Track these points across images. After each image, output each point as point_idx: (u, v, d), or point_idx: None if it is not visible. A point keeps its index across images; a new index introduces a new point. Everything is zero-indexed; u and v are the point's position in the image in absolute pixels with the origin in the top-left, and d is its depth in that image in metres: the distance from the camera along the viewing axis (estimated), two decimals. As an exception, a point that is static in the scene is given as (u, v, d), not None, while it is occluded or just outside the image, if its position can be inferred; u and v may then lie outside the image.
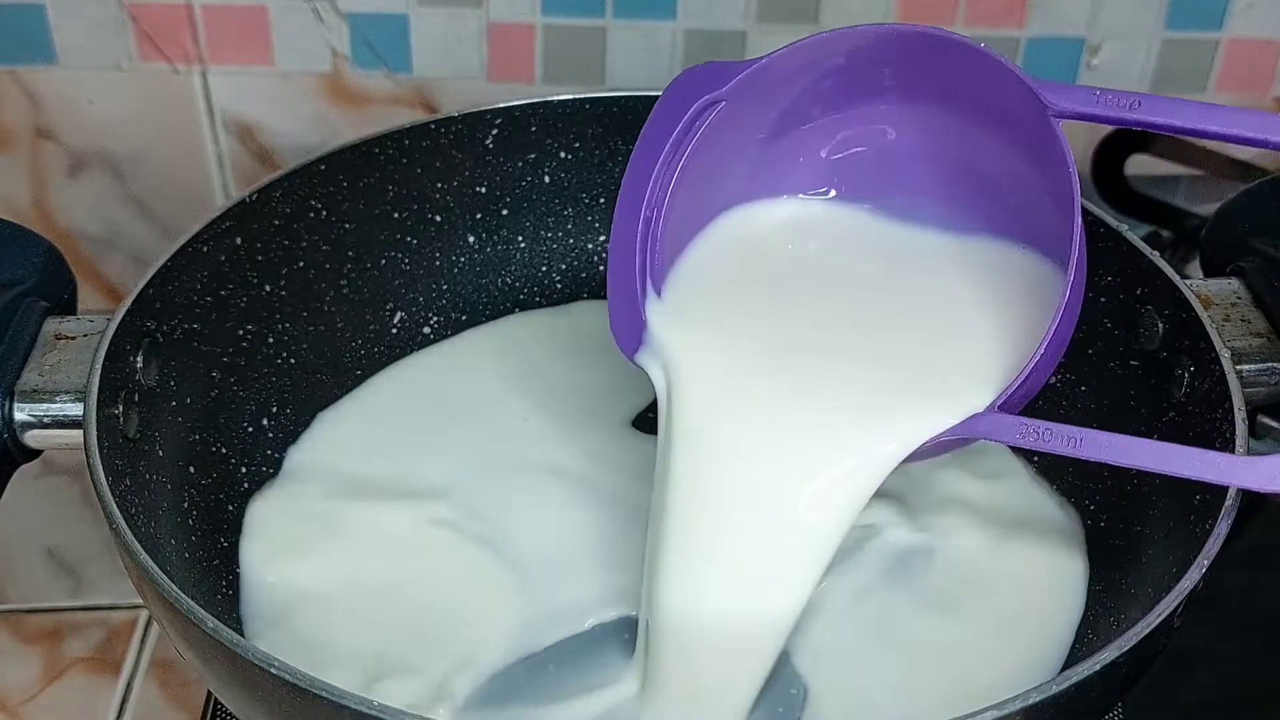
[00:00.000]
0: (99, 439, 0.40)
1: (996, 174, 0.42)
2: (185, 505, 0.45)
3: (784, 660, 0.42)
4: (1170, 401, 0.45)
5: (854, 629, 0.43)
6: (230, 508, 0.48)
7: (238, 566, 0.46)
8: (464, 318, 0.56)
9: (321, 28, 0.65)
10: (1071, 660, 0.43)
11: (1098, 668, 0.34)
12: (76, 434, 0.41)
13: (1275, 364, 0.45)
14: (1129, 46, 0.68)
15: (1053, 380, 0.51)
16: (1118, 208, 0.69)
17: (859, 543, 0.45)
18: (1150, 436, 0.46)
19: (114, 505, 0.39)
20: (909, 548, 0.46)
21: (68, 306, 0.47)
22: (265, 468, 0.50)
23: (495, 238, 0.57)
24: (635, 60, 0.66)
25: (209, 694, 0.52)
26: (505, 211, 0.56)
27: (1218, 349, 0.43)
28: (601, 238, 0.58)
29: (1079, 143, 0.71)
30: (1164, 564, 0.42)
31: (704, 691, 0.40)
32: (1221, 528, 0.38)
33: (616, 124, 0.55)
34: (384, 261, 0.54)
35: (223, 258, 0.49)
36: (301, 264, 0.52)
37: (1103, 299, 0.49)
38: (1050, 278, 0.41)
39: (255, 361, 0.50)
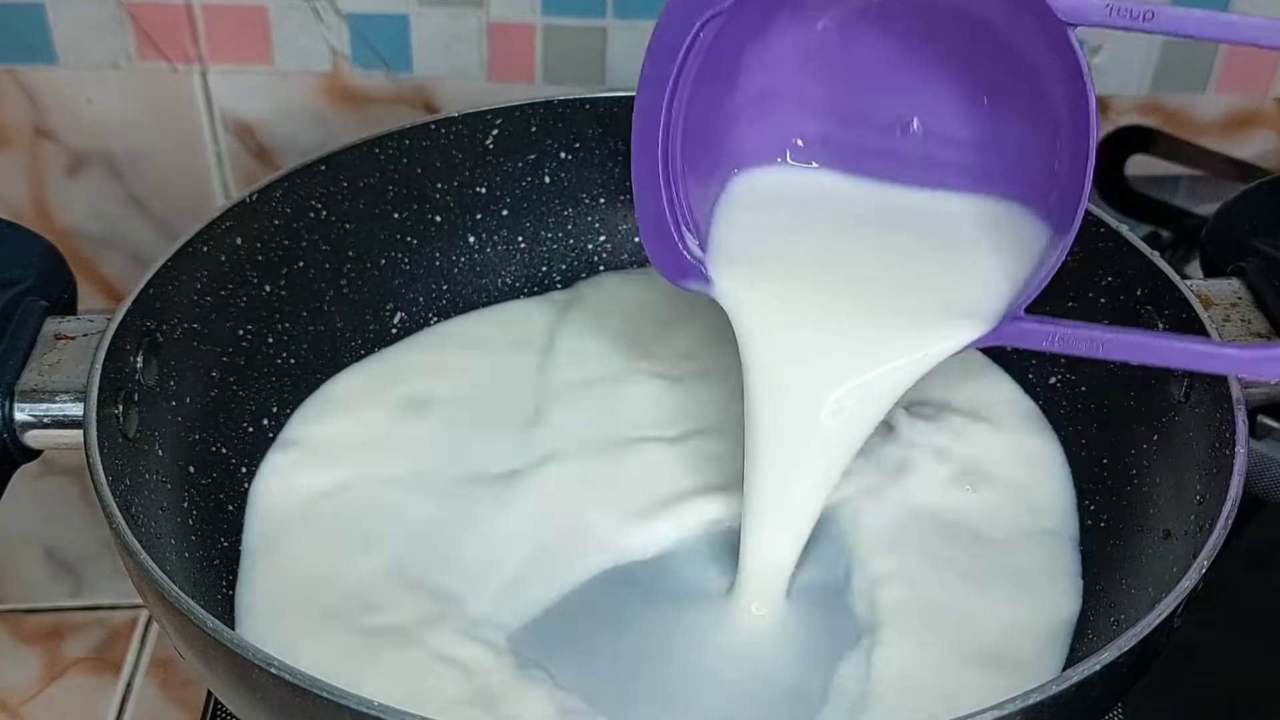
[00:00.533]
0: (99, 439, 0.40)
1: (1004, 117, 0.44)
2: (185, 505, 0.45)
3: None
4: (1170, 401, 0.45)
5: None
6: (230, 508, 0.48)
7: (238, 565, 0.46)
8: (464, 318, 0.56)
9: (321, 27, 0.65)
10: (1071, 660, 0.43)
11: (1098, 668, 0.34)
12: (76, 434, 0.41)
13: (1275, 364, 0.45)
14: (1129, 46, 0.68)
15: (1053, 380, 0.51)
16: (1118, 208, 0.69)
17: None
18: (1150, 437, 0.46)
19: (114, 505, 0.39)
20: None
21: (67, 306, 0.47)
22: (265, 468, 0.50)
23: (495, 238, 0.56)
24: (635, 60, 0.66)
25: (209, 694, 0.52)
26: (505, 211, 0.56)
27: (1218, 349, 0.43)
28: (602, 237, 0.58)
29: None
30: (1164, 564, 0.42)
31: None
32: (1221, 528, 0.38)
33: (616, 124, 0.55)
34: (384, 261, 0.54)
35: (223, 258, 0.49)
36: (301, 264, 0.52)
37: (1103, 299, 0.49)
38: (1043, 234, 0.44)
39: (255, 361, 0.50)
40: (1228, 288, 0.48)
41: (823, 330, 0.43)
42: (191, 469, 0.46)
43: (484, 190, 0.56)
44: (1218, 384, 0.42)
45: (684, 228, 0.44)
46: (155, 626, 0.59)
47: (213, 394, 0.48)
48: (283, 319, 0.51)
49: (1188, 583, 0.37)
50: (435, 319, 0.56)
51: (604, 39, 0.65)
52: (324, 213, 0.52)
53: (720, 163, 0.46)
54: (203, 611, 0.36)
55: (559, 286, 0.57)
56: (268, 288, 0.51)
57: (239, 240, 0.49)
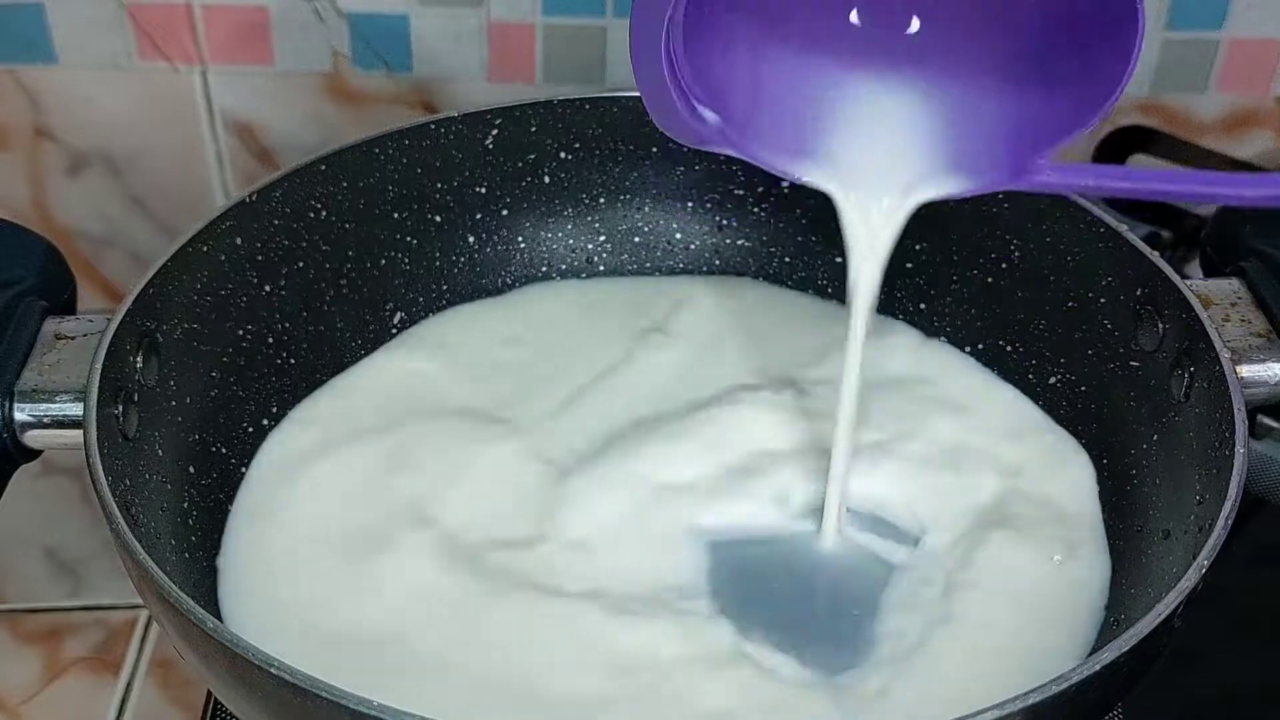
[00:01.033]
0: (99, 439, 0.40)
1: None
2: (185, 505, 0.45)
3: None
4: (1170, 401, 0.45)
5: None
6: (230, 508, 0.48)
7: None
8: (464, 318, 0.56)
9: (322, 27, 0.65)
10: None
11: (1098, 668, 0.34)
12: (76, 434, 0.41)
13: (1275, 364, 0.45)
14: (1129, 46, 0.67)
15: (1053, 380, 0.51)
16: (1118, 208, 0.69)
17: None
18: (1150, 437, 0.46)
19: (114, 505, 0.39)
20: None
21: (67, 306, 0.47)
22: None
23: (495, 238, 0.56)
24: (635, 60, 0.66)
25: (209, 694, 0.52)
26: (505, 211, 0.56)
27: (1218, 349, 0.43)
28: (602, 237, 0.58)
29: (1079, 142, 0.71)
30: (1164, 564, 0.42)
31: None
32: (1221, 528, 0.38)
33: (616, 124, 0.55)
34: (384, 261, 0.54)
35: (223, 258, 0.49)
36: (301, 264, 0.52)
37: (1103, 299, 0.49)
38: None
39: (255, 361, 0.50)
40: (1228, 288, 0.48)
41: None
42: (191, 469, 0.46)
43: (484, 190, 0.56)
44: (1218, 384, 0.42)
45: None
46: (155, 626, 0.59)
47: (213, 394, 0.48)
48: (283, 319, 0.51)
49: (1188, 583, 0.37)
50: (435, 318, 0.56)
51: (604, 39, 0.65)
52: (324, 213, 0.52)
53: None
54: (203, 611, 0.36)
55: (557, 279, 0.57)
56: (268, 288, 0.51)
57: (239, 240, 0.49)
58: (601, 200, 0.57)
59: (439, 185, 0.55)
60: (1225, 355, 0.43)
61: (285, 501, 0.48)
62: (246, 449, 0.49)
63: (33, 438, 0.43)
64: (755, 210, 0.57)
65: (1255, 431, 0.46)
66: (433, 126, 0.54)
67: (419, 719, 0.32)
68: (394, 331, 0.55)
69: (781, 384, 0.52)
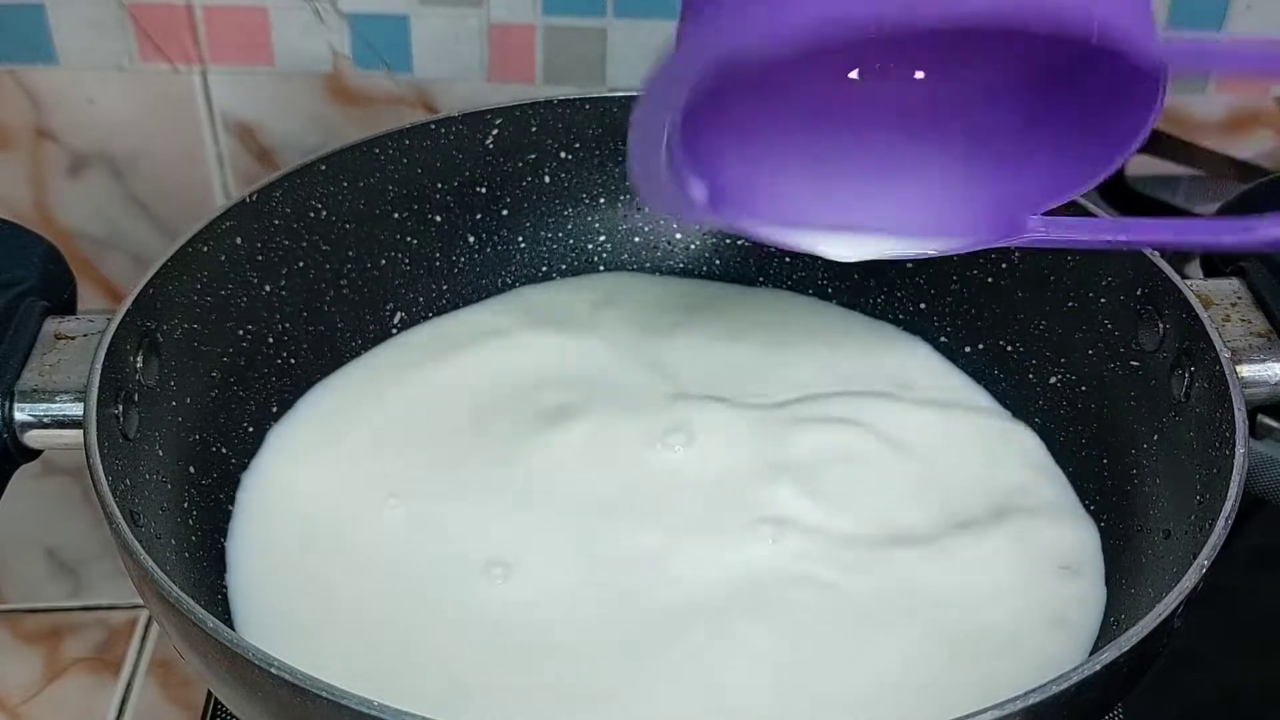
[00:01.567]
0: (99, 439, 0.40)
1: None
2: (185, 505, 0.45)
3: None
4: (1170, 401, 0.45)
5: None
6: (230, 508, 0.48)
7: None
8: (464, 318, 0.56)
9: (322, 28, 0.65)
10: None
11: (1098, 668, 0.34)
12: (76, 434, 0.41)
13: (1275, 364, 0.45)
14: (1129, 46, 0.68)
15: (1053, 381, 0.51)
16: (1118, 208, 0.69)
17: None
18: (1150, 437, 0.46)
19: (114, 505, 0.39)
20: None
21: (68, 306, 0.47)
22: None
23: (495, 238, 0.57)
24: (635, 60, 0.66)
25: (209, 694, 0.52)
26: (505, 211, 0.56)
27: (1218, 349, 0.43)
28: (602, 238, 0.58)
29: (1079, 143, 0.71)
30: (1164, 564, 0.42)
31: None
32: (1222, 528, 0.38)
33: (616, 124, 0.55)
34: (384, 261, 0.54)
35: (223, 258, 0.49)
36: (301, 264, 0.52)
37: (1103, 299, 0.49)
38: None
39: (255, 361, 0.50)
40: (1228, 288, 0.48)
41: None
42: (191, 469, 0.46)
43: (484, 190, 0.56)
44: (1218, 384, 0.42)
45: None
46: (155, 626, 0.59)
47: (213, 394, 0.48)
48: (283, 319, 0.51)
49: (1188, 583, 0.37)
50: (435, 319, 0.56)
51: (604, 39, 0.65)
52: (324, 213, 0.52)
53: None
54: (203, 611, 0.36)
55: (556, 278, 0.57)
56: (268, 288, 0.51)
57: (239, 240, 0.49)
58: (601, 200, 0.57)
59: (439, 185, 0.55)
60: (1225, 355, 0.43)
61: (286, 501, 0.48)
62: (246, 449, 0.49)
63: (33, 438, 0.43)
64: (755, 210, 0.57)
65: (1255, 431, 0.46)
66: (433, 126, 0.54)
67: (419, 719, 0.32)
68: (394, 331, 0.55)
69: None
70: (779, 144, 0.43)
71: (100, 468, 0.40)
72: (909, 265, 0.55)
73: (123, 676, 0.59)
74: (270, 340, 0.51)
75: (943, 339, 0.55)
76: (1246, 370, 0.44)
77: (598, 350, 0.54)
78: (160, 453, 0.45)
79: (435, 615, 0.44)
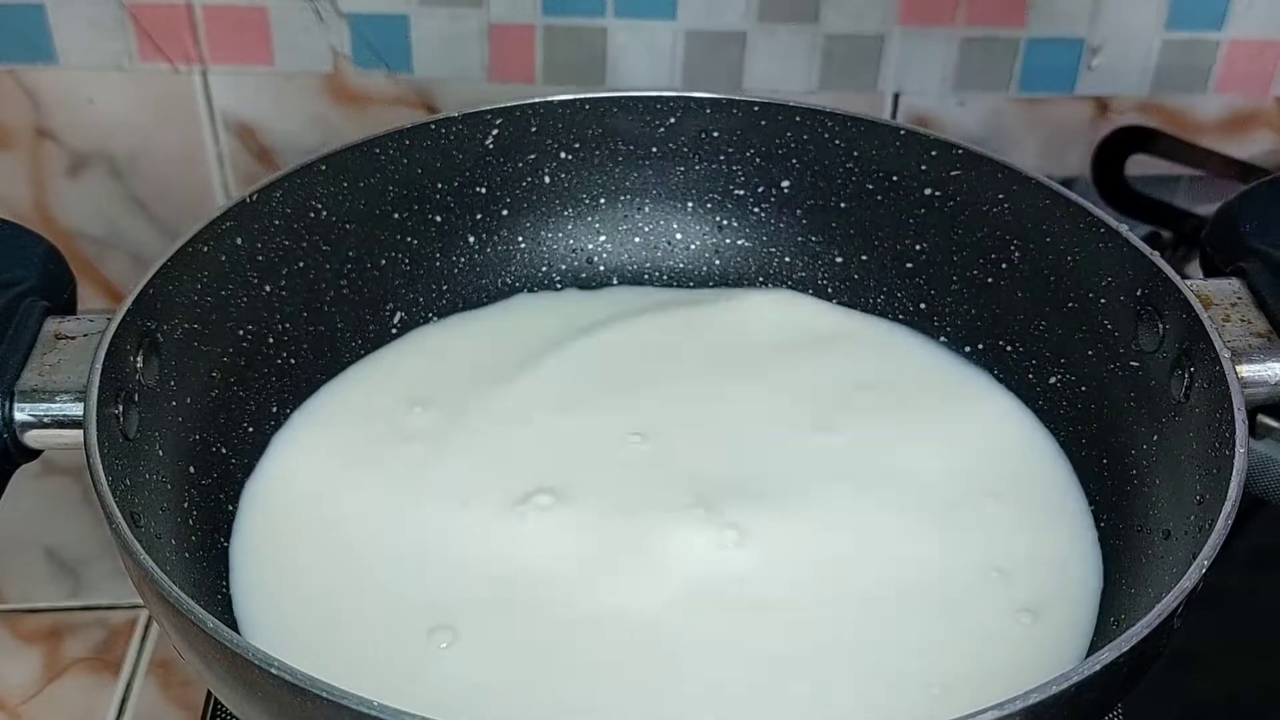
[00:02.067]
0: (99, 439, 0.40)
1: None
2: (185, 505, 0.45)
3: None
4: (1170, 401, 0.45)
5: None
6: (230, 508, 0.48)
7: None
8: (464, 318, 0.56)
9: (322, 28, 0.65)
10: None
11: (1098, 668, 0.34)
12: (76, 434, 0.41)
13: (1275, 364, 0.45)
14: (1129, 46, 0.68)
15: (1052, 380, 0.51)
16: (1118, 208, 0.69)
17: None
18: (1150, 437, 0.46)
19: (114, 505, 0.38)
20: None
21: (68, 306, 0.47)
22: (265, 468, 0.50)
23: (495, 238, 0.57)
24: (635, 60, 0.66)
25: (209, 694, 0.52)
26: (505, 211, 0.56)
27: (1218, 349, 0.43)
28: (602, 238, 0.58)
29: (1079, 142, 0.71)
30: (1164, 564, 0.42)
31: None
32: (1222, 528, 0.38)
33: (616, 124, 0.55)
34: (384, 261, 0.54)
35: (223, 258, 0.49)
36: (301, 264, 0.52)
37: (1103, 299, 0.49)
38: None
39: (255, 361, 0.50)
40: (1228, 288, 0.47)
41: None
42: (191, 469, 0.46)
43: (484, 190, 0.56)
44: (1218, 384, 0.42)
45: None
46: (155, 626, 0.59)
47: (213, 394, 0.48)
48: (283, 319, 0.51)
49: (1188, 583, 0.37)
50: (435, 319, 0.56)
51: (604, 39, 0.65)
52: (324, 213, 0.52)
53: None
54: (203, 611, 0.35)
55: (558, 287, 0.57)
56: (268, 288, 0.51)
57: (239, 240, 0.49)
58: (601, 200, 0.57)
59: (439, 185, 0.55)
60: (1225, 355, 0.43)
61: (287, 501, 0.48)
62: (246, 449, 0.49)
63: (33, 438, 0.43)
64: (755, 210, 0.57)
65: (1255, 431, 0.46)
66: (433, 126, 0.54)
67: (419, 718, 0.32)
68: (394, 332, 0.55)
69: None
70: None
71: (100, 468, 0.40)
72: (909, 265, 0.55)
73: (123, 676, 0.59)
74: (270, 340, 0.51)
75: (943, 339, 0.55)
76: (1246, 370, 0.44)
77: (595, 351, 0.54)
78: (160, 453, 0.45)
79: (436, 614, 0.44)
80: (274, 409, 0.51)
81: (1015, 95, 0.69)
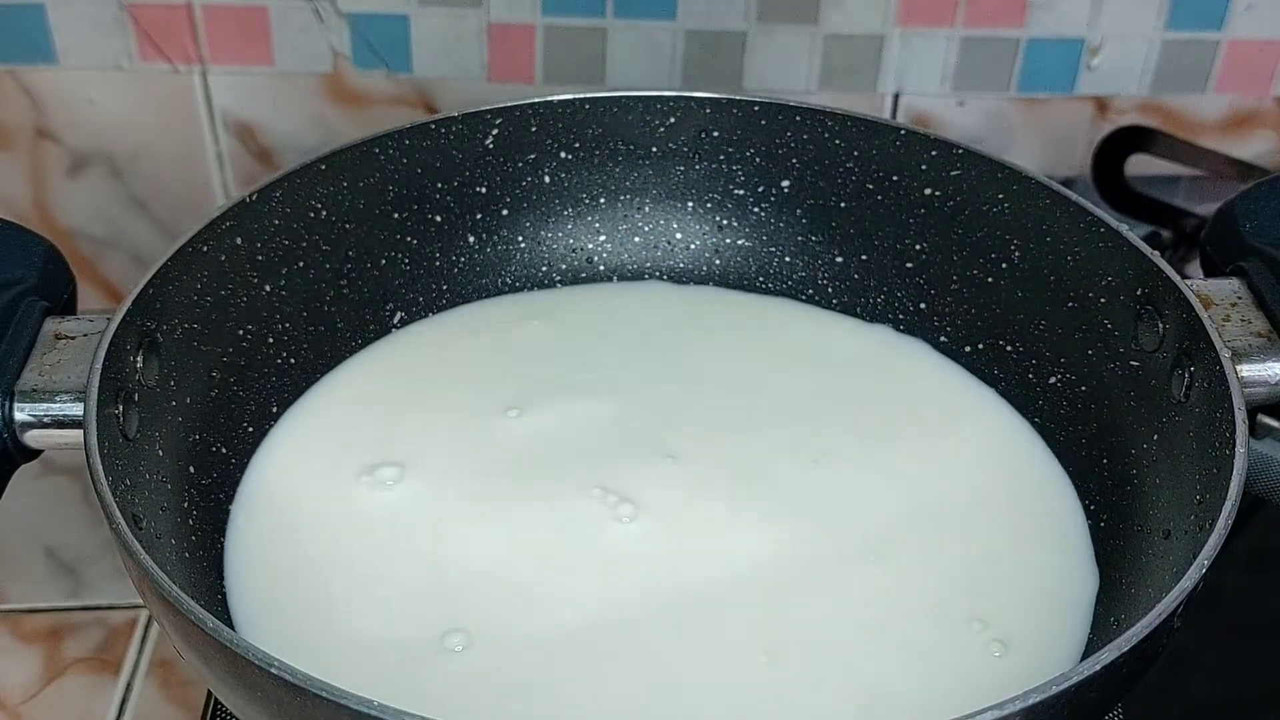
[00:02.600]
0: (99, 439, 0.40)
1: None
2: (185, 505, 0.45)
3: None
4: (1170, 401, 0.45)
5: None
6: (230, 508, 0.48)
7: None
8: (464, 318, 0.56)
9: (322, 28, 0.65)
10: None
11: (1098, 668, 0.34)
12: (76, 434, 0.41)
13: (1275, 364, 0.45)
14: (1129, 46, 0.68)
15: (1052, 380, 0.51)
16: (1118, 208, 0.69)
17: None
18: (1150, 437, 0.46)
19: (114, 505, 0.38)
20: None
21: (68, 306, 0.47)
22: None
23: (495, 238, 0.57)
24: (635, 60, 0.66)
25: (209, 694, 0.52)
26: (505, 211, 0.56)
27: (1218, 349, 0.43)
28: (602, 237, 0.58)
29: (1079, 142, 0.71)
30: (1164, 564, 0.42)
31: None
32: (1222, 528, 0.38)
33: (616, 124, 0.55)
34: (384, 261, 0.54)
35: (223, 258, 0.49)
36: (301, 264, 0.52)
37: (1103, 299, 0.49)
38: None
39: (255, 361, 0.50)
40: (1228, 288, 0.47)
41: None
42: (191, 469, 0.46)
43: (484, 190, 0.56)
44: (1218, 384, 0.42)
45: None
46: (155, 626, 0.59)
47: (213, 394, 0.48)
48: (283, 319, 0.51)
49: (1188, 582, 0.37)
50: (435, 317, 0.56)
51: (604, 39, 0.65)
52: (324, 213, 0.52)
53: None
54: (203, 611, 0.35)
55: (558, 286, 0.57)
56: (268, 288, 0.51)
57: (239, 240, 0.49)
58: (601, 200, 0.57)
59: (439, 185, 0.55)
60: (1225, 355, 0.43)
61: (286, 501, 0.48)
62: (247, 449, 0.49)
63: (33, 438, 0.43)
64: (755, 210, 0.57)
65: (1255, 431, 0.46)
66: (433, 126, 0.54)
67: (419, 719, 0.32)
68: (394, 331, 0.55)
69: None
70: None
71: (100, 468, 0.40)
72: (909, 265, 0.55)
73: (123, 676, 0.59)
74: (270, 340, 0.51)
75: (943, 339, 0.55)
76: (1246, 370, 0.44)
77: (600, 351, 0.54)
78: (160, 453, 0.45)
79: (436, 616, 0.44)
80: (274, 409, 0.51)
81: (1015, 95, 0.69)
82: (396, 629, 0.44)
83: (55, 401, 0.43)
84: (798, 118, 0.55)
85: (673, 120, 0.56)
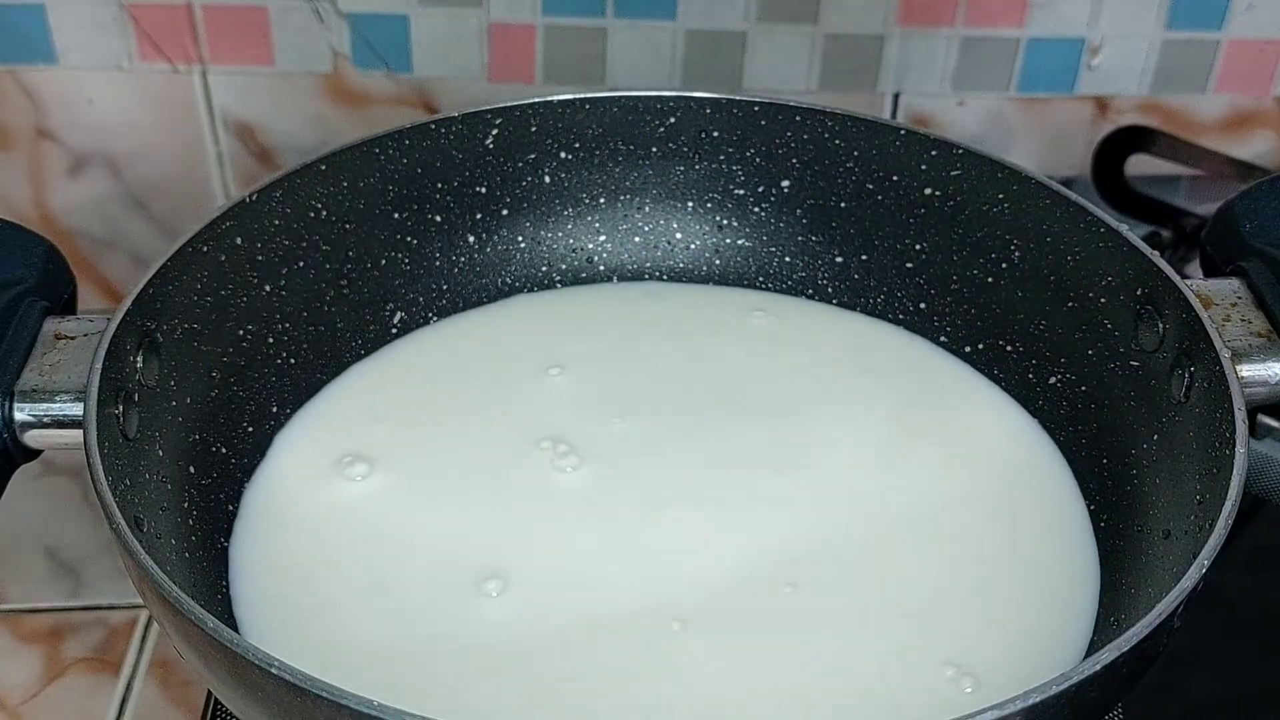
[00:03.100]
0: (99, 439, 0.40)
1: None
2: (185, 505, 0.45)
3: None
4: (1170, 401, 0.45)
5: None
6: (230, 508, 0.48)
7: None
8: (464, 318, 0.56)
9: (322, 28, 0.65)
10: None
11: (1098, 668, 0.34)
12: (76, 434, 0.41)
13: (1275, 364, 0.45)
14: (1129, 46, 0.68)
15: (1052, 380, 0.51)
16: (1118, 207, 0.69)
17: None
18: (1150, 437, 0.46)
19: (114, 505, 0.38)
20: None
21: (68, 306, 0.47)
22: (265, 468, 0.50)
23: (495, 238, 0.57)
24: (635, 60, 0.66)
25: (209, 694, 0.52)
26: (505, 211, 0.56)
27: (1218, 349, 0.43)
28: (602, 237, 0.58)
29: (1079, 142, 0.71)
30: (1164, 564, 0.42)
31: None
32: (1222, 528, 0.38)
33: (616, 124, 0.55)
34: (384, 261, 0.54)
35: (223, 258, 0.49)
36: (301, 264, 0.52)
37: (1103, 299, 0.49)
38: None
39: (255, 361, 0.50)
40: (1228, 288, 0.47)
41: None
42: (191, 469, 0.46)
43: (484, 190, 0.56)
44: (1218, 384, 0.42)
45: None
46: (155, 626, 0.59)
47: (213, 394, 0.48)
48: (283, 319, 0.51)
49: (1188, 582, 0.37)
50: (435, 319, 0.56)
51: (604, 39, 0.65)
52: (324, 213, 0.52)
53: None
54: (203, 611, 0.35)
55: (558, 286, 0.57)
56: (268, 288, 0.51)
57: (239, 240, 0.49)
58: (601, 200, 0.57)
59: (439, 185, 0.55)
60: (1225, 355, 0.43)
61: (287, 501, 0.48)
62: (246, 449, 0.49)
63: (33, 438, 0.43)
64: (755, 210, 0.57)
65: (1255, 431, 0.46)
66: (433, 126, 0.54)
67: (419, 719, 0.32)
68: (394, 332, 0.55)
69: None
70: None
71: (100, 468, 0.40)
72: (909, 265, 0.55)
73: (123, 676, 0.59)
74: (270, 340, 0.51)
75: (943, 339, 0.55)
76: (1246, 370, 0.44)
77: (603, 354, 0.54)
78: (160, 453, 0.45)
79: (435, 617, 0.44)
80: (274, 409, 0.51)
81: (1015, 95, 0.69)
82: (401, 629, 0.44)
83: (55, 401, 0.43)
84: (798, 118, 0.55)
85: (673, 120, 0.56)
